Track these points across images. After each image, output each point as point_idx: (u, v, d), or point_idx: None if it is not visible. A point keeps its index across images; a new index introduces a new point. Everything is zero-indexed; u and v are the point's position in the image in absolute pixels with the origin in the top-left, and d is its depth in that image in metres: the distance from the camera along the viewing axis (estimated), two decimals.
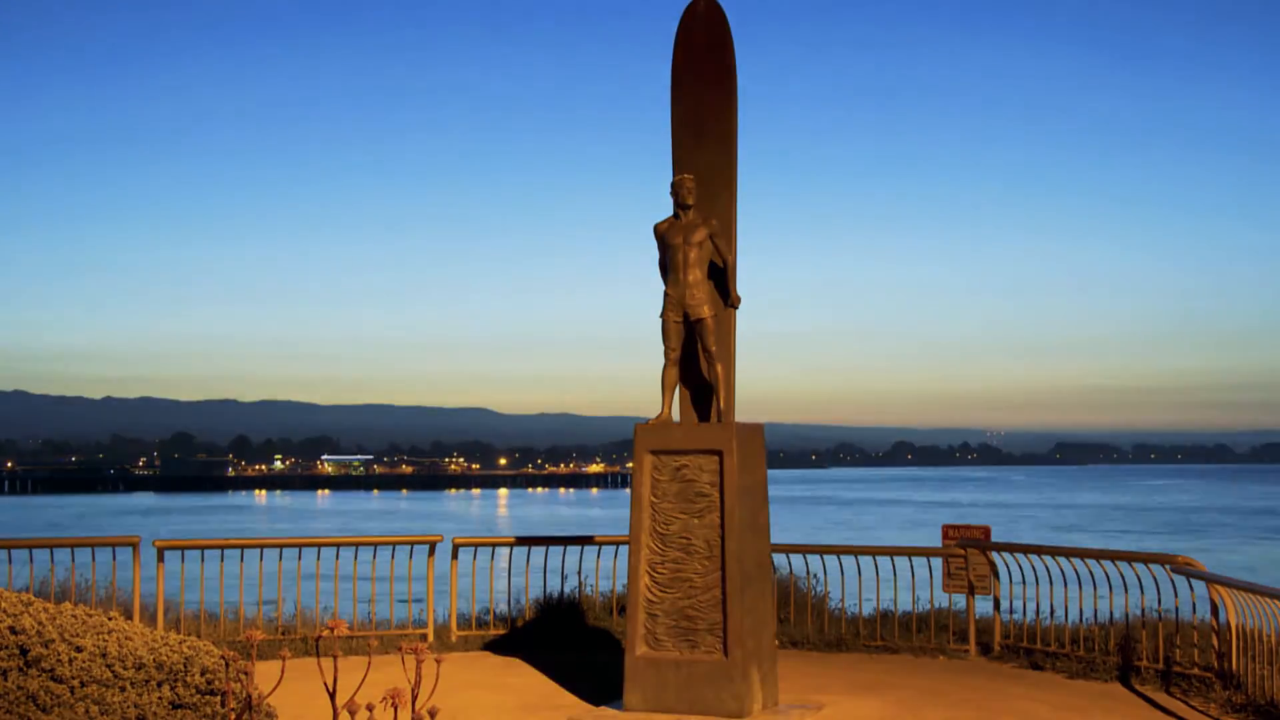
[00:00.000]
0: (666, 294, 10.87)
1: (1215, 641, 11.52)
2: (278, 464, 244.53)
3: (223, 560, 14.19)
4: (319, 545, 14.61)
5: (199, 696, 7.40)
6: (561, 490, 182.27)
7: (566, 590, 15.05)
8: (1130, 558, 12.74)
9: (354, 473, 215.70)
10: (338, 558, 14.43)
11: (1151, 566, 12.45)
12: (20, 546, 14.66)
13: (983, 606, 14.22)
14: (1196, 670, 11.74)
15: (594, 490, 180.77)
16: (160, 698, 7.27)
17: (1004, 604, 14.01)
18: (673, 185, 10.93)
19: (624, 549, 14.08)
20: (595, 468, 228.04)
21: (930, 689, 11.78)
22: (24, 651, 7.30)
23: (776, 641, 11.25)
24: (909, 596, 14.72)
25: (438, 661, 5.80)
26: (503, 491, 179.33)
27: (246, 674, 6.96)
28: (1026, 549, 13.90)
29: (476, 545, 15.21)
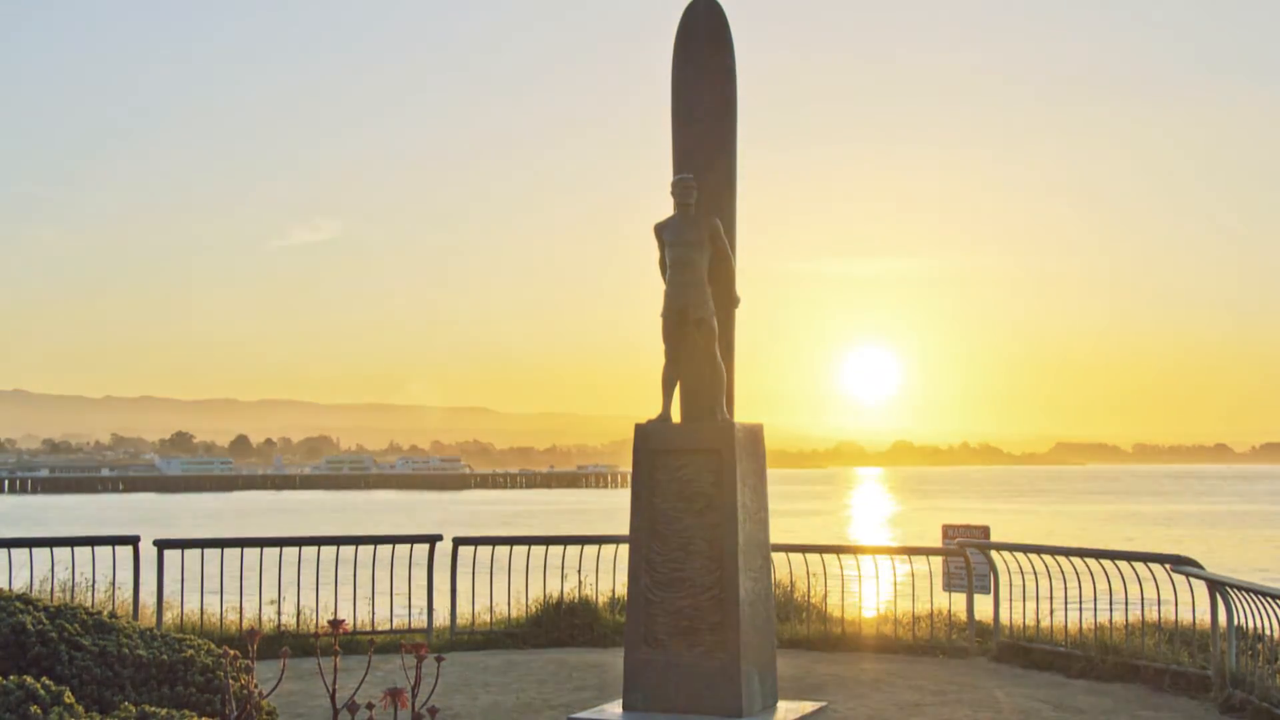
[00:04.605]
0: (666, 293, 10.85)
1: (1215, 641, 11.52)
2: (277, 463, 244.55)
3: (222, 559, 14.19)
4: (319, 544, 14.62)
5: (199, 695, 7.41)
6: (561, 490, 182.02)
7: (566, 590, 15.06)
8: (1130, 557, 12.74)
9: (352, 472, 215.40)
10: (338, 557, 14.43)
11: (1151, 566, 12.45)
12: (20, 546, 14.67)
13: (983, 606, 14.23)
14: (1196, 670, 11.74)
15: (593, 490, 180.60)
16: (160, 697, 7.28)
17: (1004, 604, 14.02)
18: (673, 185, 10.91)
19: (624, 549, 14.08)
20: (595, 467, 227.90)
21: (930, 689, 11.77)
22: (24, 651, 7.30)
23: (776, 641, 11.24)
24: (909, 596, 14.74)
25: (438, 661, 5.80)
26: (502, 491, 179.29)
27: (247, 673, 6.97)
28: (1026, 548, 13.91)
29: (476, 544, 15.21)
